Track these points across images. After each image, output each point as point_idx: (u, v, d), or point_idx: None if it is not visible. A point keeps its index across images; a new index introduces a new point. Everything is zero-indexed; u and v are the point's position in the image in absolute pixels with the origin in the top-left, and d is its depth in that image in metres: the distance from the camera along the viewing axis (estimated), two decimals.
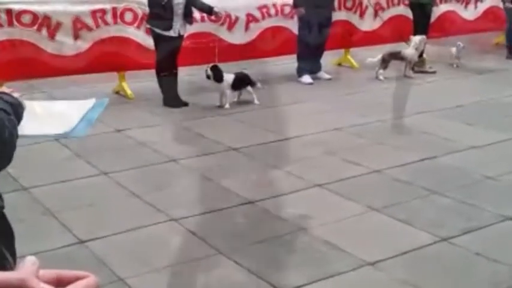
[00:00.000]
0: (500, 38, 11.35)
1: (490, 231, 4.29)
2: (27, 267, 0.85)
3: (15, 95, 1.81)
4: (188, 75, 8.10)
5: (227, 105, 7.29)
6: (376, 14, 9.71)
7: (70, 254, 3.96)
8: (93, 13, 7.43)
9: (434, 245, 4.08)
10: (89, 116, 2.10)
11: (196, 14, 7.62)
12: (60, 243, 4.09)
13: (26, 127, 1.79)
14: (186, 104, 7.37)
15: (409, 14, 9.48)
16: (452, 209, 4.64)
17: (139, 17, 7.68)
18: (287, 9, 8.77)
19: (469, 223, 4.38)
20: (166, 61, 7.27)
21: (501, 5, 10.66)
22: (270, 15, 8.73)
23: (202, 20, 7.94)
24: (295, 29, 8.69)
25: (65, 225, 4.33)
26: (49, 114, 2.06)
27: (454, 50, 9.51)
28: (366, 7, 9.62)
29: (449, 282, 3.68)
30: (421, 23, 9.12)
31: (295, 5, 8.52)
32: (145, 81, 7.89)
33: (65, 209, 4.58)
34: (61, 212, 4.53)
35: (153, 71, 7.43)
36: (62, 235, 4.20)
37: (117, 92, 7.86)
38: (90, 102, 2.18)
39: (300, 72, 8.63)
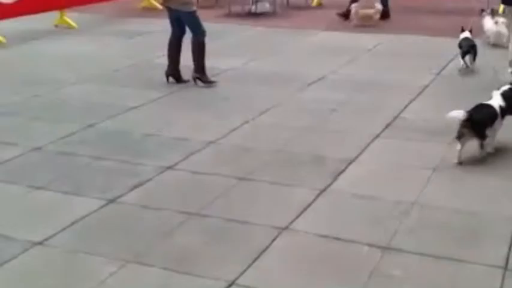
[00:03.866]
0: (146, 2, 11.78)
1: (153, 183, 4.46)
2: None
3: None
4: None
5: None
6: None
7: None
8: None
9: (102, 209, 4.08)
10: None
11: None
12: None
13: None
14: None
15: None
16: (117, 170, 4.69)
17: None
18: None
19: (134, 180, 4.48)
20: None
21: None
22: None
23: None
24: None
25: None
26: None
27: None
28: None
29: (117, 240, 3.71)
30: None
31: None
32: None
33: None
34: None
35: None
36: None
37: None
38: None
39: None
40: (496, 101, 4.87)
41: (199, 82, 6.80)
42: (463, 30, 7.47)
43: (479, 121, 4.64)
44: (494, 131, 4.78)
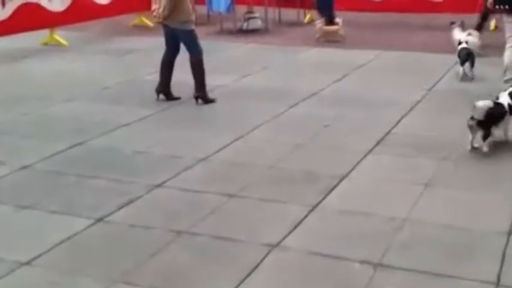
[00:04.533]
0: (137, 20, 11.84)
1: (142, 202, 4.45)
2: None
3: None
4: None
5: None
6: None
7: None
8: None
9: (90, 228, 4.06)
10: None
11: None
12: None
13: None
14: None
15: None
16: (106, 189, 4.68)
17: None
18: None
19: (123, 198, 4.46)
20: None
21: None
22: None
23: None
24: None
25: None
26: None
27: None
28: None
29: (105, 259, 3.68)
30: None
31: None
32: None
33: None
34: None
35: None
36: None
37: None
38: None
39: None
40: (505, 99, 5.32)
41: (200, 101, 6.80)
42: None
43: (486, 119, 5.09)
44: (504, 126, 5.29)
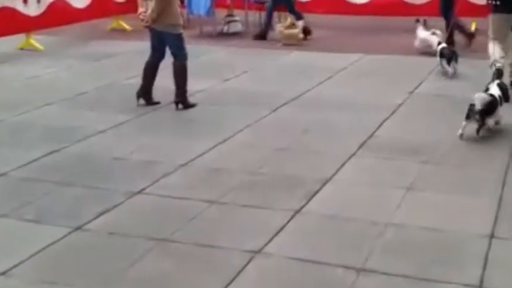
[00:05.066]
0: (114, 23, 11.78)
1: (121, 209, 4.41)
2: None
3: None
4: None
5: None
6: None
7: None
8: None
9: (68, 237, 4.02)
10: None
11: None
12: None
13: None
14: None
15: None
16: (84, 196, 4.64)
17: None
18: None
19: (101, 206, 4.42)
20: None
21: None
22: None
23: None
24: None
25: None
26: None
27: None
28: None
29: (83, 269, 3.65)
30: None
31: None
32: None
33: None
34: None
35: None
36: None
37: None
38: None
39: None
40: (495, 91, 5.80)
41: (180, 106, 6.77)
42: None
43: (485, 108, 5.56)
44: (495, 116, 5.75)
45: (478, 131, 5.58)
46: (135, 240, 3.95)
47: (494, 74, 6.55)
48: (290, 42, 10.15)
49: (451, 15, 9.06)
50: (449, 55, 7.90)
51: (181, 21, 6.76)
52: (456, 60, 7.89)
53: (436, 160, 5.18)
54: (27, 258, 3.74)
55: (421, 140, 5.63)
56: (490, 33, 7.27)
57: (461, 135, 5.60)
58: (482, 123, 5.57)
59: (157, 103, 6.88)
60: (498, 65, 6.94)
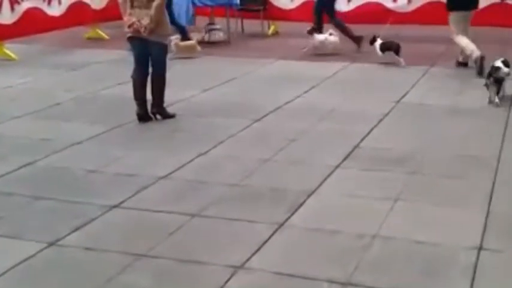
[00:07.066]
0: (91, 32, 11.77)
1: (97, 224, 4.39)
2: None
3: None
4: None
5: None
6: None
7: None
8: None
9: (42, 252, 3.99)
10: None
11: None
12: None
13: None
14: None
15: None
16: (59, 211, 4.61)
17: None
18: None
19: (77, 220, 4.40)
20: None
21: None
22: None
23: None
24: None
25: None
26: None
27: None
28: None
29: (58, 285, 3.63)
30: None
31: None
32: None
33: None
34: None
35: None
36: None
37: None
38: None
39: None
40: (500, 65, 7.04)
41: (158, 116, 6.76)
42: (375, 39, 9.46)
43: (501, 77, 7.05)
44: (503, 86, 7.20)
45: (497, 94, 6.97)
46: (113, 255, 3.93)
47: (476, 63, 8.08)
48: (186, 55, 9.95)
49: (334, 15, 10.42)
50: (395, 47, 9.06)
51: (170, 31, 6.74)
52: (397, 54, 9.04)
53: (423, 171, 5.23)
54: (0, 274, 3.72)
55: (408, 150, 5.68)
56: (453, 29, 8.59)
57: (490, 102, 6.99)
58: (498, 90, 6.98)
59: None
60: (477, 53, 8.20)
